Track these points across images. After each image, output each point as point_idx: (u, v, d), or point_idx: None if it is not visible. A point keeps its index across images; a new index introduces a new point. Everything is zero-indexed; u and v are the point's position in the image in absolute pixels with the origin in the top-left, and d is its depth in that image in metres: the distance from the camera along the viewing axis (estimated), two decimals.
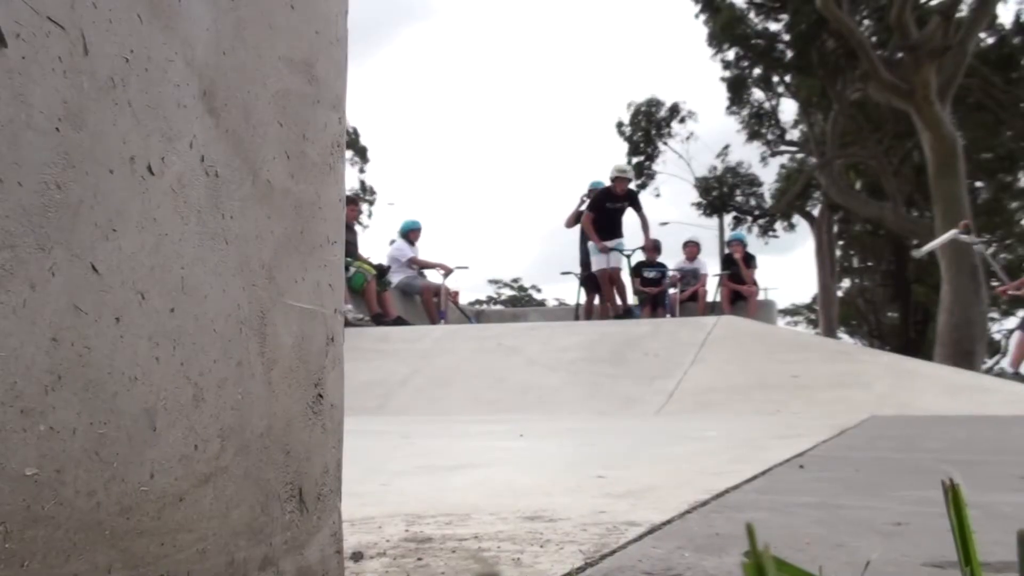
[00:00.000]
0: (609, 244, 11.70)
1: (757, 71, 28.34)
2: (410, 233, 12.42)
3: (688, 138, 32.73)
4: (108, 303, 0.69)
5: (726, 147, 32.90)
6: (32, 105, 0.63)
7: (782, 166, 31.49)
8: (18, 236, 0.62)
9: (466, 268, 14.14)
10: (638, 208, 11.99)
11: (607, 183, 13.46)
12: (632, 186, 12.25)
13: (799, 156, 30.21)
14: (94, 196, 0.68)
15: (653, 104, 32.68)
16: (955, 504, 0.50)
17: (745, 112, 29.60)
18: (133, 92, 0.72)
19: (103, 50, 0.69)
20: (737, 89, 28.74)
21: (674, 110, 32.68)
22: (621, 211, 11.93)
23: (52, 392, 0.64)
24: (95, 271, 0.68)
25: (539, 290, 47.21)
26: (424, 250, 12.73)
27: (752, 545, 0.36)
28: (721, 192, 32.71)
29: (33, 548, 0.63)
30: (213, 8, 0.81)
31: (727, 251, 13.93)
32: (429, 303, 12.31)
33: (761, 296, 13.60)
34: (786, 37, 26.24)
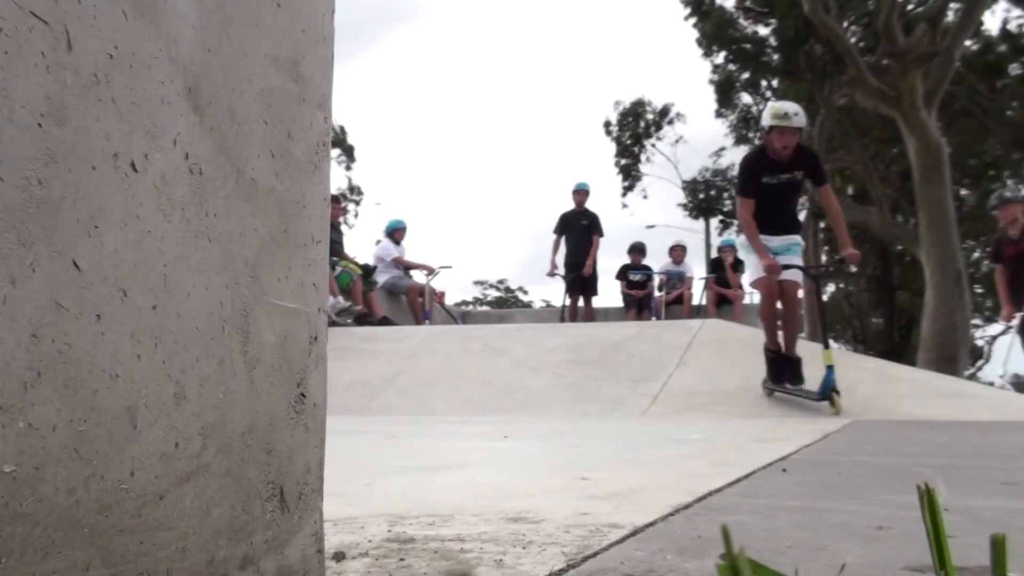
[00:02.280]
0: (775, 243, 6.81)
1: (745, 75, 28.44)
2: (395, 232, 12.43)
3: (677, 141, 32.84)
4: (89, 300, 0.69)
5: (720, 149, 33.01)
6: (14, 100, 0.62)
7: None
8: None
9: (450, 267, 14.12)
10: (819, 178, 6.88)
11: (590, 185, 13.42)
12: (798, 129, 6.69)
13: None
14: (76, 192, 0.67)
15: (640, 106, 32.75)
16: (930, 509, 0.50)
17: (733, 116, 29.71)
18: (117, 88, 0.71)
19: (87, 46, 0.69)
20: (725, 92, 28.83)
21: (664, 112, 32.77)
22: (791, 187, 6.84)
23: (32, 389, 0.63)
24: (76, 268, 0.67)
25: (525, 292, 47.27)
26: (411, 250, 12.71)
27: (728, 547, 0.37)
28: (708, 195, 32.84)
29: (11, 545, 0.62)
30: (199, 6, 0.81)
31: (716, 255, 13.97)
32: (415, 303, 12.30)
33: (747, 300, 13.65)
34: (774, 42, 26.34)
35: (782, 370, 6.68)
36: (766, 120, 6.76)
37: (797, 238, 7.08)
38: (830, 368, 6.33)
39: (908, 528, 1.45)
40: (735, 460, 2.68)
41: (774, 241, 6.89)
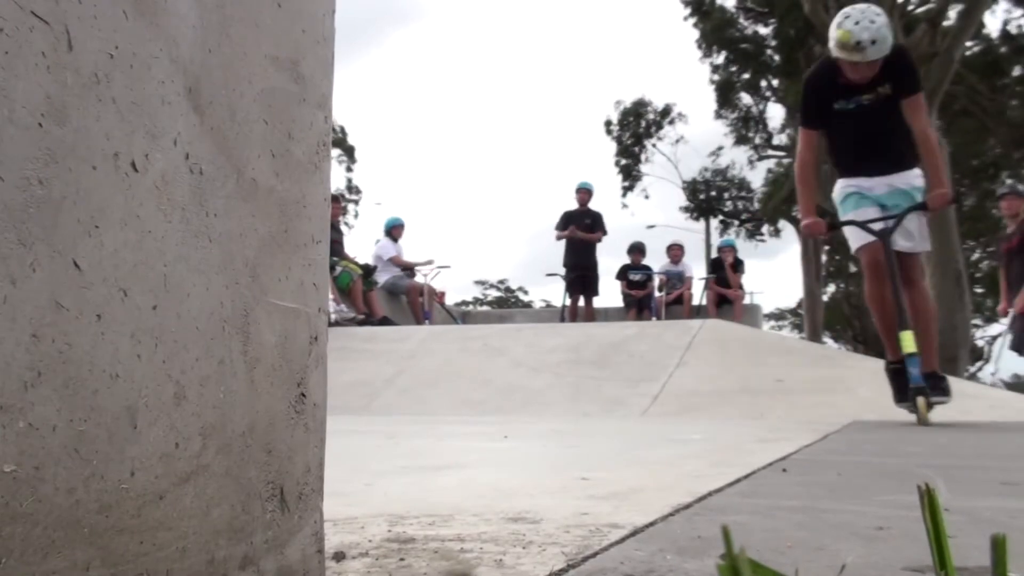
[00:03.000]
0: (878, 189, 4.98)
1: (745, 75, 28.47)
2: (393, 229, 12.46)
3: (678, 141, 32.89)
4: (90, 300, 0.69)
5: (719, 148, 33.06)
6: (15, 100, 0.62)
7: (769, 170, 31.67)
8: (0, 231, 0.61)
9: (448, 267, 14.13)
10: (906, 86, 4.80)
11: (593, 183, 13.47)
12: (881, 46, 4.63)
13: (786, 161, 30.37)
14: (77, 192, 0.67)
15: (641, 105, 32.78)
16: (931, 509, 0.50)
17: (733, 116, 29.73)
18: (117, 88, 0.71)
19: (87, 46, 0.69)
20: (725, 93, 28.86)
21: (665, 112, 32.81)
22: (882, 106, 4.81)
23: (32, 389, 0.63)
24: (77, 268, 0.67)
25: (526, 292, 47.41)
26: (412, 250, 12.77)
27: (728, 547, 0.37)
28: (708, 195, 32.88)
29: (11, 545, 0.62)
30: (199, 6, 0.81)
31: (716, 255, 13.99)
32: (415, 303, 12.32)
33: (747, 300, 13.66)
34: (774, 42, 26.36)
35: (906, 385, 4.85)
36: (833, 49, 4.75)
37: (913, 176, 4.92)
38: (910, 357, 4.71)
39: (908, 528, 1.45)
40: (735, 460, 2.68)
41: (877, 187, 4.89)
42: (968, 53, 22.68)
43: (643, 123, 32.61)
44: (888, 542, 1.34)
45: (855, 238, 5.02)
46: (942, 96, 19.57)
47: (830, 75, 4.93)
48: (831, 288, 35.16)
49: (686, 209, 32.80)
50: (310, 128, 0.98)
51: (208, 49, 0.82)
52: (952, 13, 19.82)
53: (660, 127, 32.68)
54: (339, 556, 1.22)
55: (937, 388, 4.87)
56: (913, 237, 4.92)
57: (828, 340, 33.30)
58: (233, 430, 0.84)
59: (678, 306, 13.20)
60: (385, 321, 10.77)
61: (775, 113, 32.51)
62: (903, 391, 5.01)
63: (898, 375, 5.06)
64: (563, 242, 12.77)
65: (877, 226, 4.87)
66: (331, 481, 1.12)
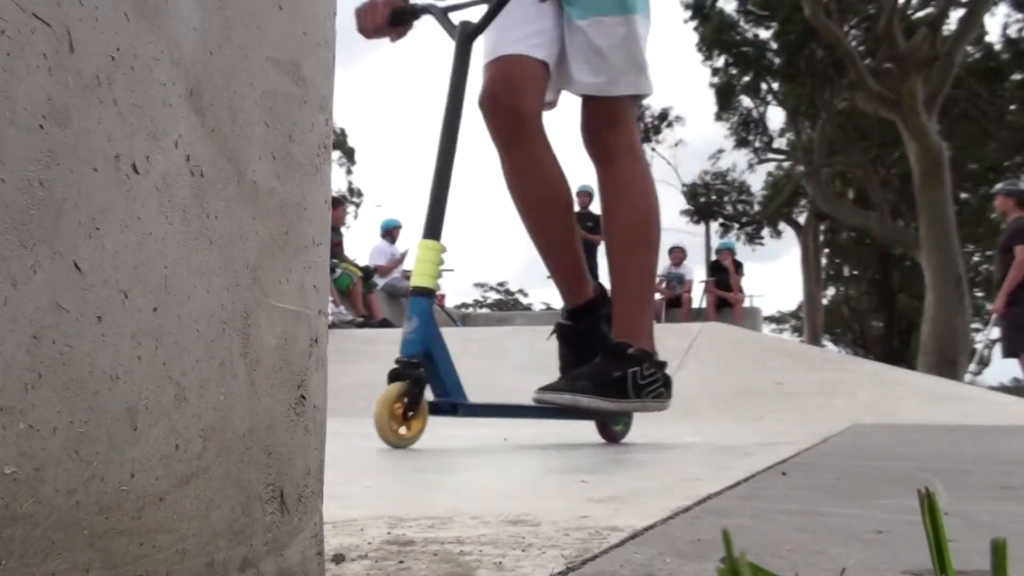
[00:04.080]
0: None
1: (746, 78, 28.49)
2: (392, 231, 12.47)
3: (677, 144, 32.92)
4: (90, 301, 0.68)
5: (719, 151, 33.09)
6: (16, 102, 0.62)
7: (769, 174, 31.70)
8: (0, 233, 0.61)
9: (451, 271, 14.18)
10: None
11: (593, 186, 13.50)
12: None
13: (786, 164, 30.39)
14: (78, 194, 0.67)
15: (639, 108, 32.85)
16: (931, 513, 0.50)
17: (734, 119, 29.76)
18: (119, 90, 0.71)
19: (89, 48, 0.69)
20: (726, 96, 28.88)
21: (663, 116, 32.82)
22: None
23: (32, 390, 0.63)
24: (78, 269, 0.67)
25: (526, 294, 47.36)
26: (410, 253, 12.83)
27: (728, 551, 0.37)
28: (709, 198, 32.90)
29: (11, 547, 0.62)
30: (200, 8, 0.81)
31: (716, 258, 14.02)
32: None
33: (747, 303, 13.65)
34: (775, 45, 26.38)
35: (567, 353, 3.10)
36: None
37: None
38: (414, 297, 2.97)
39: (908, 532, 1.45)
40: (734, 463, 2.68)
41: None
42: (969, 59, 22.72)
43: (642, 125, 32.65)
44: (888, 546, 1.34)
45: (487, 50, 2.77)
46: (942, 100, 19.59)
47: None
48: (831, 291, 35.18)
49: (686, 212, 32.82)
50: (311, 130, 0.98)
51: (209, 51, 0.82)
52: (953, 16, 19.85)
53: (658, 131, 32.70)
54: (338, 558, 1.22)
55: (591, 379, 2.97)
56: (607, 66, 2.84)
57: (828, 343, 33.30)
58: (233, 432, 0.84)
59: (677, 309, 13.20)
60: (385, 323, 10.77)
61: (775, 116, 32.60)
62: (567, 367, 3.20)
63: (570, 338, 3.21)
64: None
65: (456, 17, 2.67)
66: (331, 483, 1.12)
